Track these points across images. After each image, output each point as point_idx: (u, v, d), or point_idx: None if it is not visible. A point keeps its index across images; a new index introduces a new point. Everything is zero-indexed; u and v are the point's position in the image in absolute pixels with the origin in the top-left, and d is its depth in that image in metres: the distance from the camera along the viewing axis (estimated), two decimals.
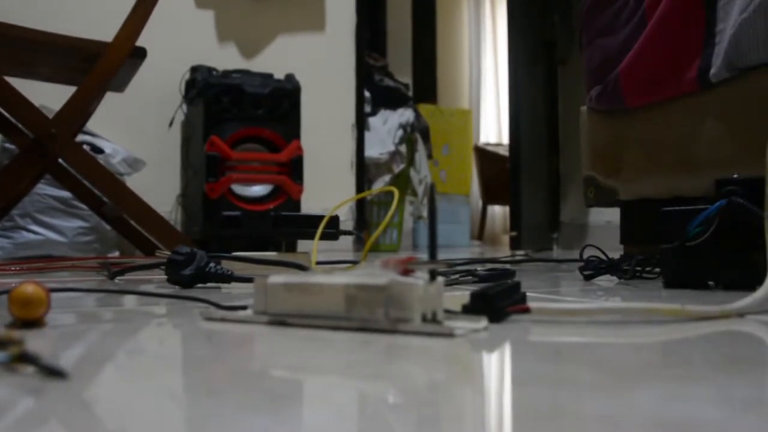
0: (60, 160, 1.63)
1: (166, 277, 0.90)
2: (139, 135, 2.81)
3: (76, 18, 2.67)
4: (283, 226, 1.21)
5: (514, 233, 3.26)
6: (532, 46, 3.28)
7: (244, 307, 0.58)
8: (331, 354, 0.45)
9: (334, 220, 1.19)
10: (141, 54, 1.56)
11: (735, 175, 0.84)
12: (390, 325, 0.49)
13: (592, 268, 1.04)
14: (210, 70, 2.69)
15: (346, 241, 2.85)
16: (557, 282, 1.09)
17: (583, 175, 1.61)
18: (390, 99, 3.45)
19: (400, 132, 3.37)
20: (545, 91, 3.30)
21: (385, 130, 3.35)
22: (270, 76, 2.68)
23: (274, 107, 2.60)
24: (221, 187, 2.55)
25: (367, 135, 3.24)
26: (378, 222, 3.32)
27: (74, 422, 0.29)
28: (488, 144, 5.20)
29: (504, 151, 4.30)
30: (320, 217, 1.11)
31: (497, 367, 0.44)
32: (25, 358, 0.37)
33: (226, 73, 2.68)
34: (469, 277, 0.96)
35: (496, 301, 0.55)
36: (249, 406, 0.31)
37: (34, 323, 0.53)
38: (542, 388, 0.35)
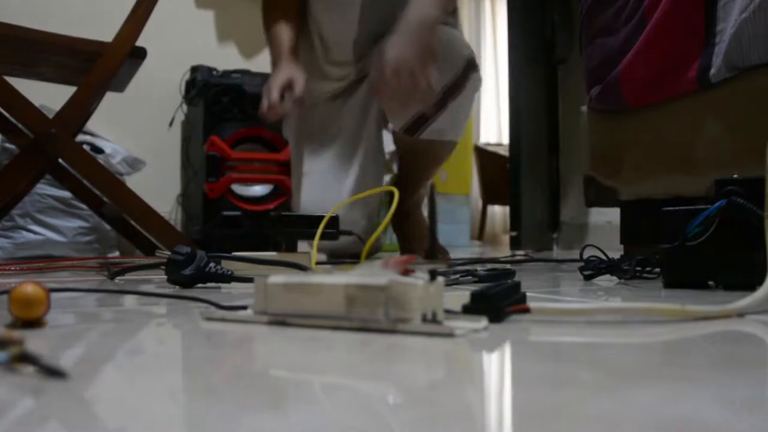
0: (60, 160, 1.63)
1: (166, 277, 0.90)
2: (139, 135, 2.81)
3: (76, 18, 2.67)
4: (283, 226, 1.21)
5: (514, 233, 3.26)
6: (532, 46, 3.27)
7: (244, 307, 0.58)
8: (331, 354, 0.45)
9: (334, 220, 1.19)
10: (141, 54, 1.56)
11: (735, 175, 0.84)
12: (390, 325, 0.49)
13: (592, 268, 1.03)
14: (210, 70, 2.69)
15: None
16: (557, 282, 1.09)
17: (583, 175, 1.61)
18: None
19: None
20: (545, 91, 3.29)
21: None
22: (270, 75, 2.68)
23: None
24: (221, 187, 2.55)
25: None
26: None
27: (74, 422, 0.29)
28: (488, 144, 5.20)
29: (504, 151, 4.29)
30: (320, 217, 1.11)
31: (497, 367, 0.44)
32: (25, 358, 0.37)
33: (226, 73, 2.68)
34: (469, 277, 0.96)
35: (496, 301, 0.55)
36: (249, 406, 0.31)
37: (34, 323, 0.53)
38: (542, 388, 0.35)
